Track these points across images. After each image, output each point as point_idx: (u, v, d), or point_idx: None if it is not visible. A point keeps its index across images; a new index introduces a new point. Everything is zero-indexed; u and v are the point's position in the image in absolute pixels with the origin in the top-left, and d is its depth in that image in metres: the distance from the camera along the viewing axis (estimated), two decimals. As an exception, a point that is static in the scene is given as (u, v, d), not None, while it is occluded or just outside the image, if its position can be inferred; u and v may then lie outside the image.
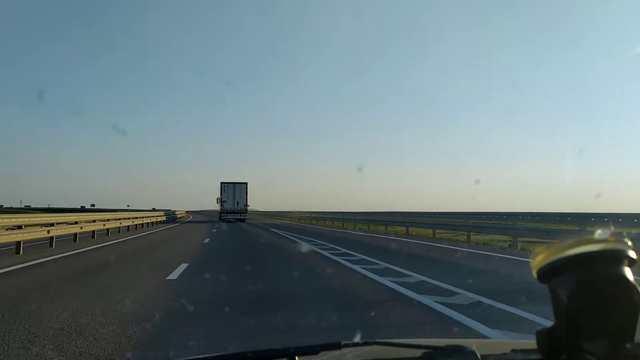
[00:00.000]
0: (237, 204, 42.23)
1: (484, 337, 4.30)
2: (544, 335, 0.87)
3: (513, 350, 1.09)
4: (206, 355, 1.10)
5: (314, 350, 1.10)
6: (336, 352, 1.20)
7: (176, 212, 50.41)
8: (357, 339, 1.67)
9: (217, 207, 43.43)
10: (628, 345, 0.80)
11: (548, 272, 0.84)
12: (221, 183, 42.91)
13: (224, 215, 41.96)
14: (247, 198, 42.51)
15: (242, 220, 41.66)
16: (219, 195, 42.70)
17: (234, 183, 42.99)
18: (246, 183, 43.09)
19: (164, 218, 38.20)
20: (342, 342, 1.13)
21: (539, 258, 0.84)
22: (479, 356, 1.00)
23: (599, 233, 0.79)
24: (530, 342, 1.02)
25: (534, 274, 0.86)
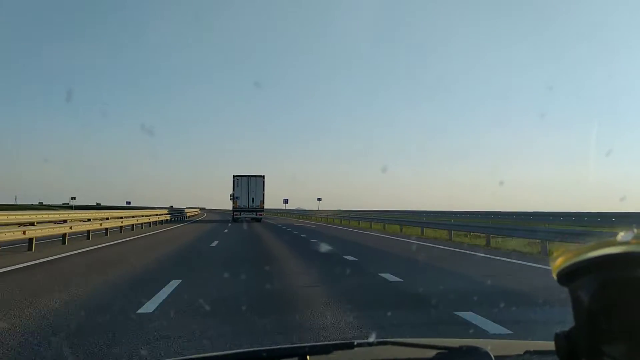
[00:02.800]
0: (253, 201, 37.37)
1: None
2: (562, 338, 0.84)
3: (529, 352, 1.12)
4: (219, 354, 1.22)
5: (326, 349, 1.17)
6: (349, 352, 1.22)
7: (185, 210, 45.25)
8: (371, 339, 1.32)
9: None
10: None
11: (568, 275, 0.80)
12: (234, 176, 37.85)
13: (236, 214, 37.11)
14: (264, 194, 37.71)
15: (258, 220, 36.98)
16: (232, 191, 37.79)
17: (248, 176, 37.95)
18: (263, 176, 38.16)
19: (167, 217, 33.97)
20: (356, 342, 1.20)
21: (559, 261, 0.80)
22: (492, 357, 1.02)
23: (621, 235, 0.71)
24: (547, 343, 1.04)
25: (554, 277, 0.80)
